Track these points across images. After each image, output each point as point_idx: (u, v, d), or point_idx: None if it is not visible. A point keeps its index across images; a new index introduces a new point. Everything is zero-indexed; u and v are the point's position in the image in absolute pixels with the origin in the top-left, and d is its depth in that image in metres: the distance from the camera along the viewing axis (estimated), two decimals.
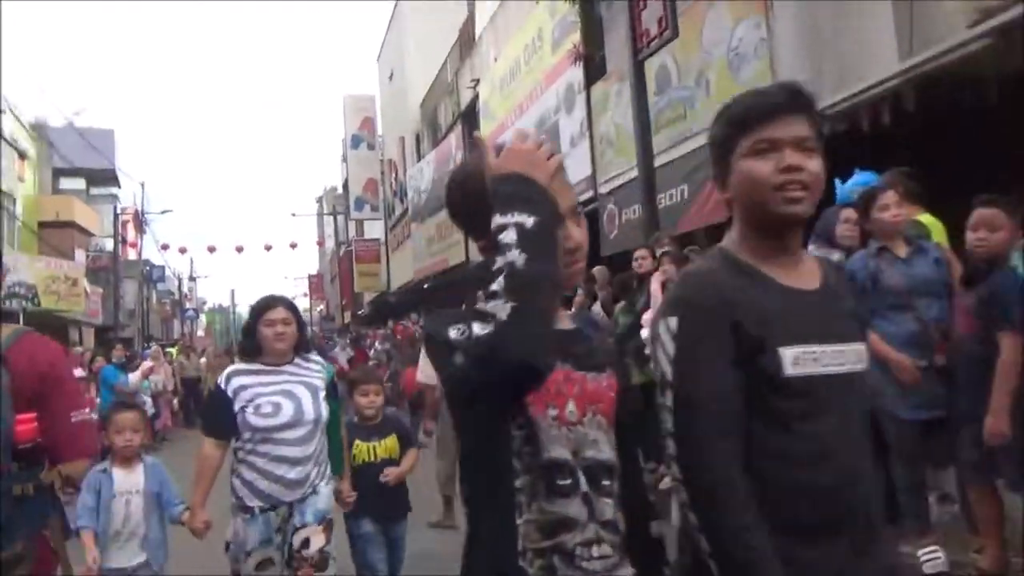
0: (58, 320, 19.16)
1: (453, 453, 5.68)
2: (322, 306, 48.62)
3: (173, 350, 16.33)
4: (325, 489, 3.16)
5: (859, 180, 4.05)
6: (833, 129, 5.94)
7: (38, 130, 24.95)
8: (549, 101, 11.27)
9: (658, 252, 5.11)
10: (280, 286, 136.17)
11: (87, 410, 2.10)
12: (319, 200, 49.90)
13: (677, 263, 4.67)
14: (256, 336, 3.08)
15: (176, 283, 44.15)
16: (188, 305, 47.17)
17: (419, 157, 21.22)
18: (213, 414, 3.12)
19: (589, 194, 10.13)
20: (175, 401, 13.91)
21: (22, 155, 20.45)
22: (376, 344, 15.58)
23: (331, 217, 43.91)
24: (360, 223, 31.18)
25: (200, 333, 45.96)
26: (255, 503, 3.00)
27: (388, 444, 3.74)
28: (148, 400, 11.17)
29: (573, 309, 6.80)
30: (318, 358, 3.39)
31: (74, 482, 2.15)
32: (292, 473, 3.00)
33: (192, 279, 48.43)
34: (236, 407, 2.98)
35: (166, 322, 43.62)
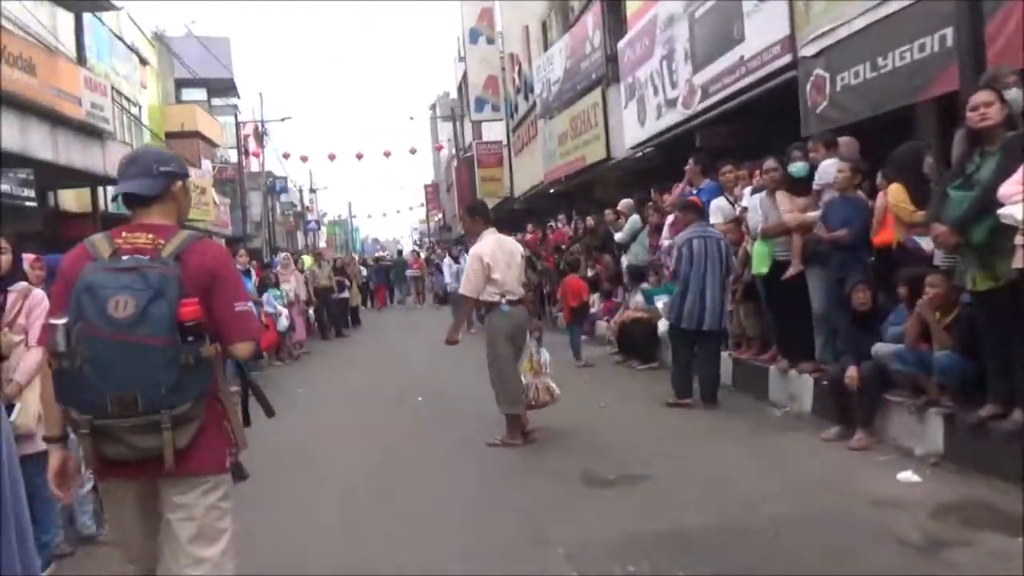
0: (189, 228, 19.10)
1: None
2: (439, 216, 48.12)
3: (307, 259, 15.76)
4: None
5: None
6: None
7: (159, 40, 24.73)
8: None
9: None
10: (397, 196, 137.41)
11: (248, 303, 2.42)
12: (432, 107, 48.73)
13: None
14: None
15: (298, 195, 44.67)
16: (310, 216, 47.89)
17: (546, 47, 19.36)
18: None
19: (785, 60, 8.22)
20: (310, 311, 13.36)
21: (143, 61, 20.08)
22: None
23: (447, 123, 42.73)
24: (478, 126, 29.75)
25: (322, 244, 46.69)
26: None
27: None
28: (284, 311, 10.49)
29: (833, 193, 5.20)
30: None
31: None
32: None
33: (313, 191, 48.97)
34: None
35: (290, 233, 44.46)
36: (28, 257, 4.63)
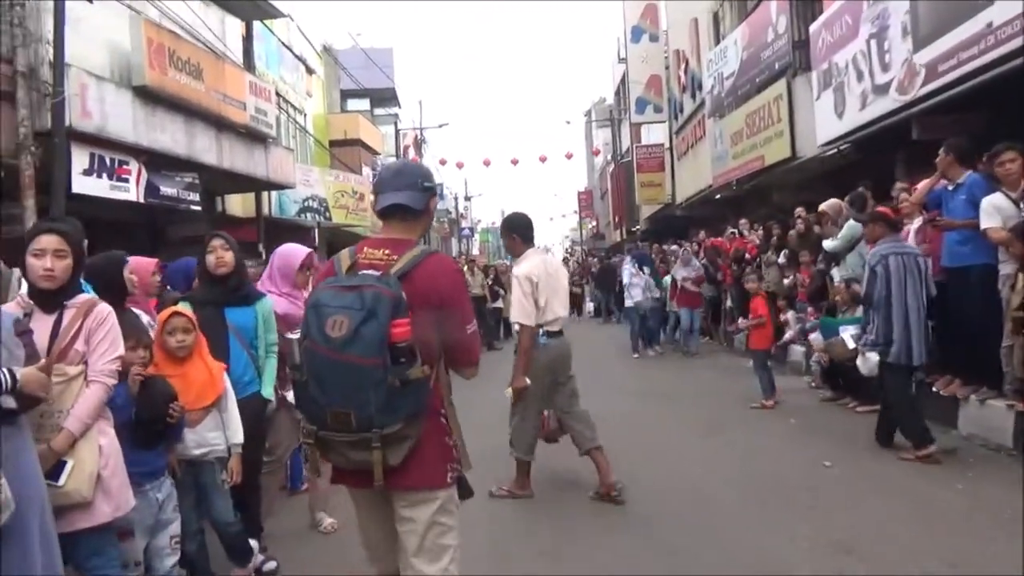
0: (349, 235, 19.21)
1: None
2: (593, 223, 47.06)
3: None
4: None
5: None
6: None
7: (327, 53, 25.48)
8: None
9: None
10: (550, 203, 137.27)
11: (474, 323, 2.39)
12: (587, 113, 47.88)
13: None
14: None
15: (453, 202, 45.19)
16: (464, 224, 48.36)
17: (718, 40, 17.76)
18: None
19: (1019, 41, 6.46)
20: None
21: (309, 70, 20.50)
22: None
23: (602, 129, 41.65)
24: (636, 130, 28.40)
25: (475, 252, 46.98)
26: None
27: None
28: None
29: None
30: None
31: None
32: None
33: (467, 198, 49.45)
34: None
35: (445, 240, 45.07)
36: (146, 262, 3.99)
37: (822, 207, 7.99)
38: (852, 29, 10.24)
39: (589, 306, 21.52)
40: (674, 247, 15.41)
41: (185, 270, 4.78)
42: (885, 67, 9.38)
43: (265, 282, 3.98)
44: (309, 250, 4.10)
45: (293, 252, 4.05)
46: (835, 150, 11.20)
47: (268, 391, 3.66)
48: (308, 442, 2.19)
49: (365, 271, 2.22)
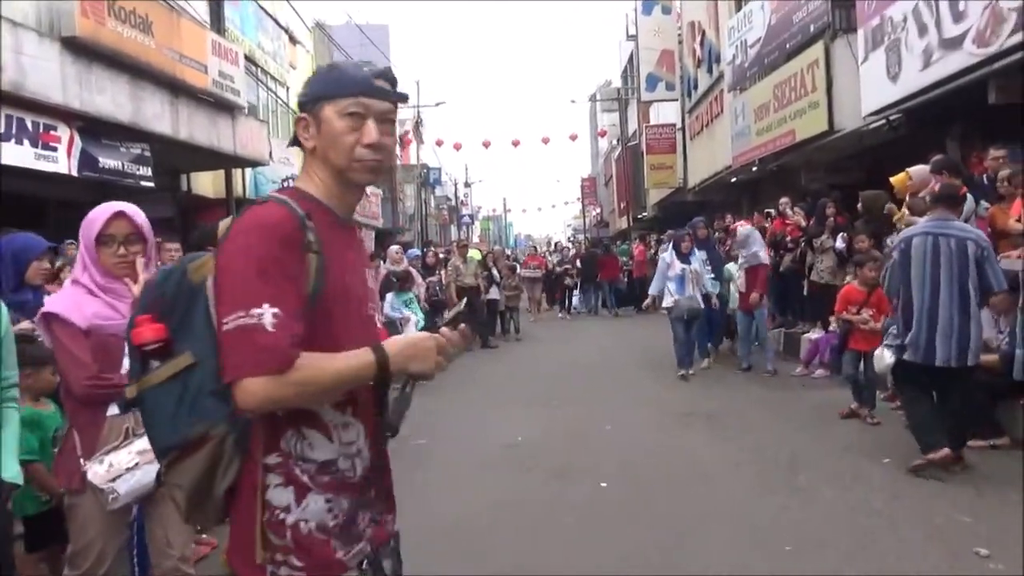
0: None
1: None
2: (596, 210, 45.51)
3: (475, 252, 13.68)
4: None
5: None
6: None
7: (319, 29, 23.95)
8: None
9: None
10: (552, 190, 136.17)
11: (255, 311, 1.34)
12: (592, 97, 46.28)
13: None
14: None
15: (452, 188, 43.60)
16: (464, 211, 46.79)
17: (739, 8, 16.17)
18: None
19: None
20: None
21: (293, 40, 18.89)
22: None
23: (607, 114, 40.10)
24: (645, 111, 26.82)
25: (475, 239, 45.53)
26: None
27: None
28: (413, 317, 8.21)
29: None
30: None
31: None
32: None
33: (467, 184, 47.87)
34: None
35: (443, 227, 43.52)
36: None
37: (896, 181, 6.43)
38: None
39: (576, 300, 19.85)
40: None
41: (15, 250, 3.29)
42: (958, 16, 7.83)
43: (76, 271, 2.39)
44: (116, 208, 2.50)
45: (95, 213, 2.46)
46: (883, 120, 9.68)
47: (11, 469, 2.13)
48: None
49: None
